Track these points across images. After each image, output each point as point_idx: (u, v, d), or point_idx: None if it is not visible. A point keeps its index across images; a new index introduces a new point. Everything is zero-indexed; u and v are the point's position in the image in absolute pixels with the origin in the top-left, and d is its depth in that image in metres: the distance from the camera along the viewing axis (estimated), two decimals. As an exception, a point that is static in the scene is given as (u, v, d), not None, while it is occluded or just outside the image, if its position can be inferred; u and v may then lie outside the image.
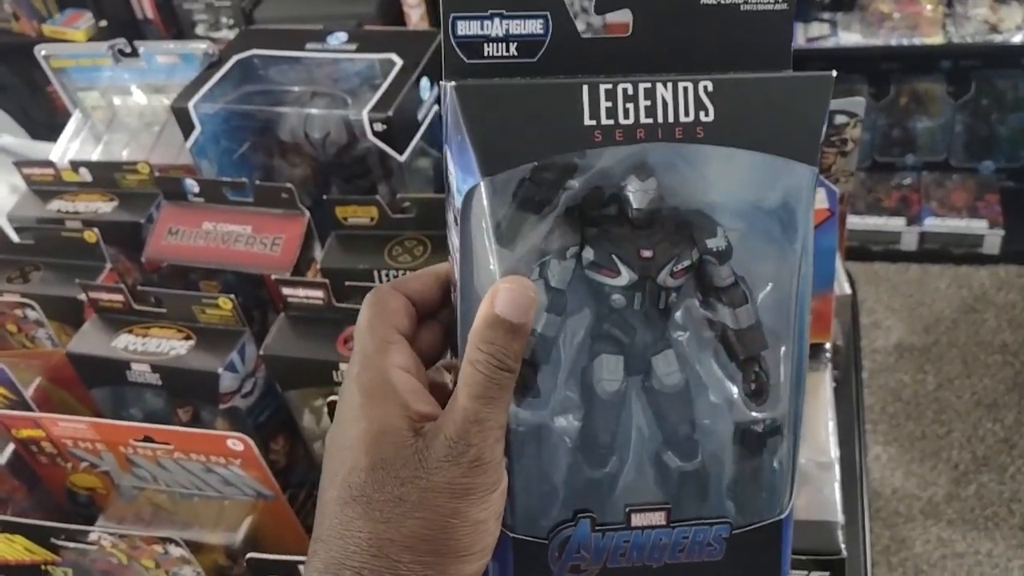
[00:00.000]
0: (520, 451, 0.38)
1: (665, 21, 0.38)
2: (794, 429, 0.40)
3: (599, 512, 0.39)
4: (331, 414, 0.69)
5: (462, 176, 0.37)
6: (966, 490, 1.93)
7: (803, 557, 0.62)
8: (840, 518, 0.64)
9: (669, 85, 0.36)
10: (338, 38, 1.02)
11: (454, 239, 0.39)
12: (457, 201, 0.37)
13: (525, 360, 0.37)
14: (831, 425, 0.72)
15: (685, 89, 0.36)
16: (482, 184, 0.36)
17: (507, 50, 0.37)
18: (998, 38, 2.23)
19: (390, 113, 0.89)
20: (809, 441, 0.70)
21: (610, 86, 0.36)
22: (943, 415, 2.09)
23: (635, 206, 0.38)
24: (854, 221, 2.45)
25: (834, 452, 0.69)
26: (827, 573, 0.61)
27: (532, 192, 0.37)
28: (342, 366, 0.75)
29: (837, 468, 0.68)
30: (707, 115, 0.36)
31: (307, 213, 0.88)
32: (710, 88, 0.36)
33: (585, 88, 0.36)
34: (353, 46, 1.00)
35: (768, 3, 0.38)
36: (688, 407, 0.39)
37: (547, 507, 0.39)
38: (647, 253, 0.38)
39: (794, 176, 0.38)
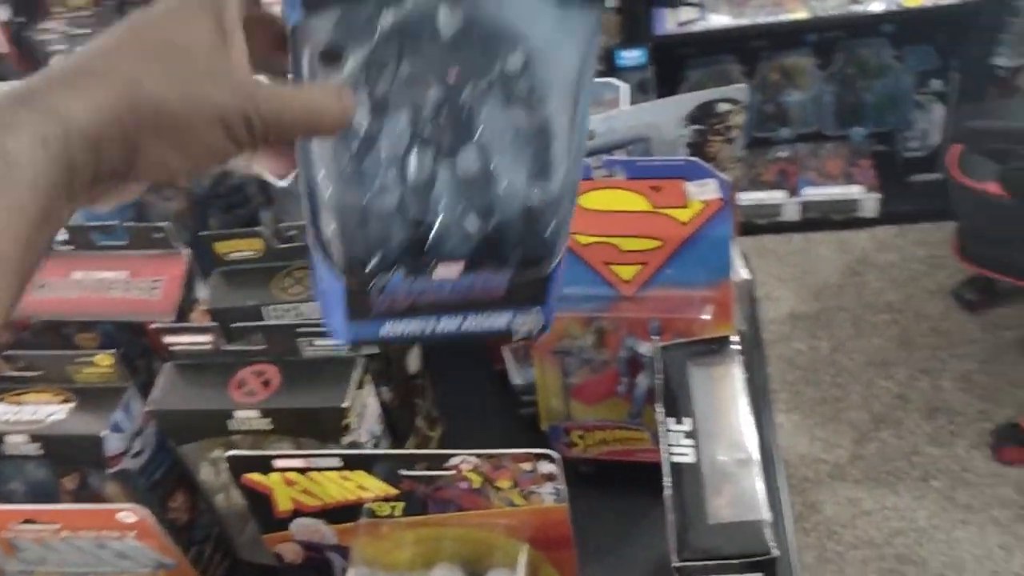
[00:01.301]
0: (351, 224, 0.44)
1: None
2: (570, 199, 0.48)
3: (411, 265, 0.46)
4: (230, 468, 0.65)
5: (288, 8, 0.41)
6: (867, 449, 2.00)
7: (734, 561, 0.61)
8: (767, 515, 0.63)
9: None
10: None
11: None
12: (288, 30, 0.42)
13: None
14: (747, 419, 0.71)
15: None
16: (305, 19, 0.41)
17: None
18: (858, 8, 2.30)
19: (264, 138, 0.84)
20: (726, 439, 0.70)
21: None
22: (839, 378, 2.16)
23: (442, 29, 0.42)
24: (737, 197, 2.50)
25: (753, 448, 0.68)
26: (760, 574, 0.61)
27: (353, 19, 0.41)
28: (236, 414, 0.70)
29: (758, 464, 0.67)
30: None
31: (186, 251, 0.83)
32: None
33: None
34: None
35: None
36: (486, 190, 0.46)
37: (367, 262, 0.46)
38: (453, 72, 0.43)
39: None
